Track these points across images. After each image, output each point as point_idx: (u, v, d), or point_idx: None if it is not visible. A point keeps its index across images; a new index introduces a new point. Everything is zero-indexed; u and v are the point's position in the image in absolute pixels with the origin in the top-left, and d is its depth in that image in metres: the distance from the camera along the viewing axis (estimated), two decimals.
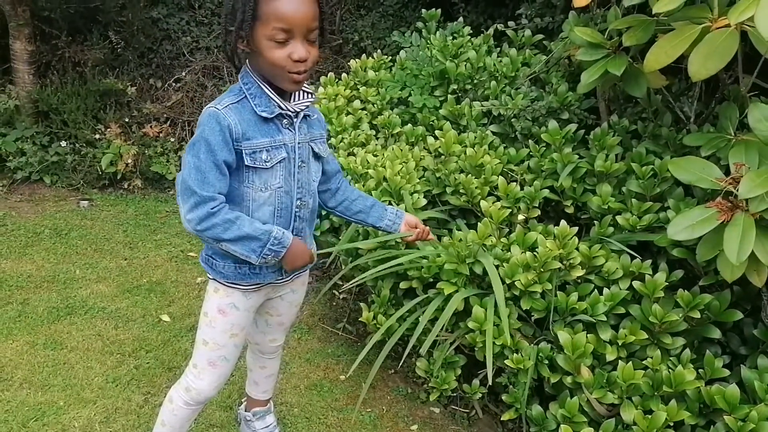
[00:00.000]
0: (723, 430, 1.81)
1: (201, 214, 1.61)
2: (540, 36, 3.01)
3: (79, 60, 4.36)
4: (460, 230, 2.36)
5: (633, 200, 2.18)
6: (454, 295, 2.16)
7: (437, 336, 2.32)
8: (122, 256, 3.51)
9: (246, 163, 1.65)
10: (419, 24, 3.40)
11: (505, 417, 2.24)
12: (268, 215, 1.73)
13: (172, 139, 4.02)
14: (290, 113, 1.70)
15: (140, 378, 2.68)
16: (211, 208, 1.62)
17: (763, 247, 1.65)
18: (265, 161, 1.68)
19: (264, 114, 1.66)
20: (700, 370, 1.94)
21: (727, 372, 1.92)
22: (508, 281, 2.10)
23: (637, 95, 2.06)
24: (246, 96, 1.65)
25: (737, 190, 1.63)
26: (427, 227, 2.09)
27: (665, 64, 1.70)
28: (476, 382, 2.35)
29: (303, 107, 1.73)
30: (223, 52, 1.71)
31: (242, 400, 2.48)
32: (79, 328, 2.93)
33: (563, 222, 2.15)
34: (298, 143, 1.74)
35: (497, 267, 2.12)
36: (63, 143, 4.10)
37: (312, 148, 1.80)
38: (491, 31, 3.10)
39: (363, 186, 2.50)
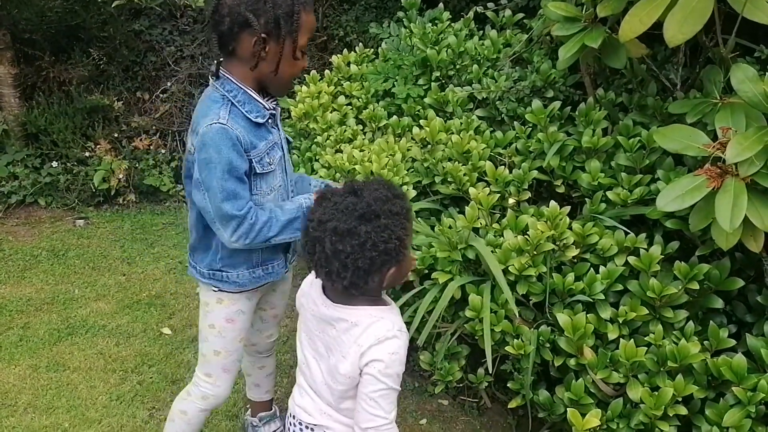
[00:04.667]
0: (732, 401, 1.77)
1: (244, 231, 1.67)
2: (521, 15, 2.96)
3: (63, 79, 4.33)
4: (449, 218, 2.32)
5: (623, 174, 2.14)
6: (449, 284, 2.13)
7: (438, 327, 2.29)
8: (120, 272, 3.49)
9: (256, 171, 1.69)
10: (400, 13, 3.35)
11: (512, 404, 2.20)
12: None
13: (163, 151, 3.99)
14: (273, 112, 1.73)
15: (144, 394, 2.66)
16: (250, 221, 1.67)
17: (757, 211, 1.61)
18: (270, 164, 1.73)
19: (258, 119, 1.68)
20: (706, 342, 1.89)
21: (733, 342, 1.88)
22: (502, 267, 2.05)
23: (617, 67, 2.01)
24: (233, 103, 1.64)
25: (725, 155, 1.58)
26: None
27: (641, 32, 1.65)
28: (481, 371, 2.32)
29: (275, 103, 1.76)
30: (239, 59, 1.66)
31: (247, 407, 2.45)
32: (81, 348, 2.92)
33: (553, 202, 2.10)
34: (282, 138, 1.79)
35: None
36: (54, 164, 4.08)
37: (287, 138, 1.85)
38: (471, 14, 3.05)
39: None
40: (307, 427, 1.61)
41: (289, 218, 1.73)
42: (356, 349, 1.44)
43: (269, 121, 1.73)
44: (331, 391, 1.54)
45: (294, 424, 1.65)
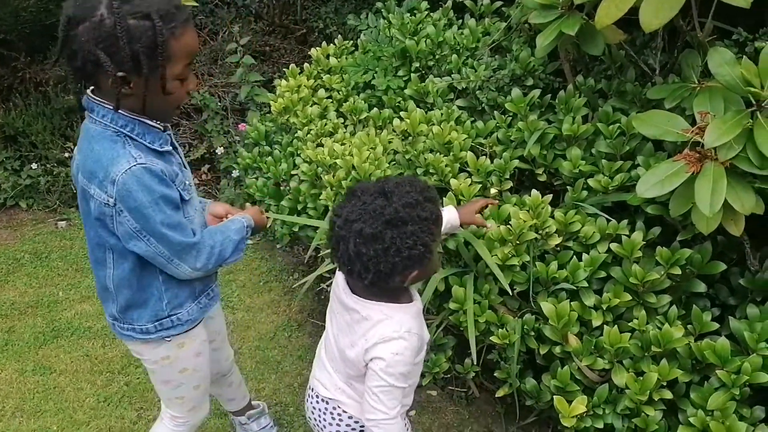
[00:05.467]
0: (717, 384, 1.78)
1: (206, 255, 1.61)
2: (499, 3, 2.94)
3: (40, 80, 4.26)
4: None
5: (604, 161, 2.13)
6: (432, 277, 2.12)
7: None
8: None
9: (184, 199, 1.57)
10: (378, 4, 3.33)
11: (499, 393, 2.21)
12: None
13: None
14: (170, 132, 1.58)
15: (132, 395, 2.64)
16: (210, 244, 1.62)
17: (737, 195, 1.60)
18: (190, 186, 1.63)
19: (165, 148, 1.53)
20: (690, 326, 1.90)
21: (716, 325, 1.88)
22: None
23: (595, 53, 2.00)
24: (131, 137, 1.47)
25: (704, 140, 1.58)
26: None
27: (616, 18, 1.64)
28: (468, 361, 2.32)
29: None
30: (96, 98, 1.47)
31: None
32: (67, 351, 2.90)
33: (534, 191, 2.10)
34: (182, 154, 1.67)
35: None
36: (34, 165, 4.03)
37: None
38: (449, 3, 3.03)
39: (333, 177, 2.44)
40: (323, 400, 1.69)
41: (239, 238, 1.69)
42: (363, 343, 1.49)
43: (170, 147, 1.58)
44: (344, 370, 1.61)
45: (312, 396, 1.73)
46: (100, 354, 2.87)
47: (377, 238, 1.34)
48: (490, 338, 2.05)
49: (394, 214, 1.34)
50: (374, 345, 1.46)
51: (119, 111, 1.45)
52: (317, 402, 1.71)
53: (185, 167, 1.65)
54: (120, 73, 1.37)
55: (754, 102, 1.59)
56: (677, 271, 1.89)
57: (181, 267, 1.57)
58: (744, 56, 1.67)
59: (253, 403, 2.37)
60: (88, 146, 1.48)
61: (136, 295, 1.64)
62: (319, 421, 1.72)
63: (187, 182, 1.60)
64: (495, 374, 2.20)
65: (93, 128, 1.48)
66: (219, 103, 4.00)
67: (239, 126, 3.73)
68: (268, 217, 1.96)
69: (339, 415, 1.68)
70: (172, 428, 1.97)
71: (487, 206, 2.03)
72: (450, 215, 1.82)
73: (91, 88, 1.49)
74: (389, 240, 1.34)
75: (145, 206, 1.45)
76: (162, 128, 1.53)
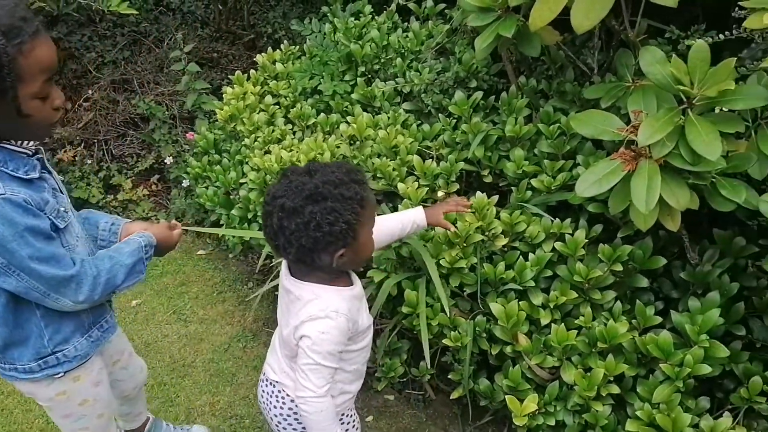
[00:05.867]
0: (662, 377, 1.81)
1: (89, 286, 1.49)
2: (443, 5, 2.96)
3: None
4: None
5: (546, 161, 2.16)
6: (385, 282, 2.12)
7: (378, 324, 2.29)
8: None
9: (59, 227, 1.46)
10: (324, 8, 3.31)
11: (454, 395, 2.22)
12: None
13: (90, 161, 3.85)
14: (40, 156, 1.48)
15: None
16: (92, 273, 1.49)
17: (672, 191, 1.63)
18: (66, 212, 1.51)
19: (32, 175, 1.41)
20: (635, 321, 1.93)
21: (660, 319, 1.92)
22: (434, 261, 2.06)
23: (532, 55, 2.02)
24: None
25: (637, 138, 1.61)
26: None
27: (549, 19, 1.66)
28: (423, 364, 2.33)
29: (36, 145, 1.46)
30: None
31: None
32: None
33: (479, 193, 2.12)
34: (57, 178, 1.55)
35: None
36: None
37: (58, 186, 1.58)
38: (393, 6, 3.03)
39: None
40: (270, 383, 1.75)
41: (133, 261, 1.58)
42: (294, 321, 1.54)
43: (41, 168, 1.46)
44: (284, 351, 1.67)
45: (263, 380, 1.80)
46: None
47: (297, 212, 1.40)
48: (443, 341, 2.05)
49: (314, 190, 1.40)
50: (302, 323, 1.51)
51: None
52: (266, 385, 1.77)
53: (61, 192, 1.54)
54: None
55: (685, 99, 1.62)
56: (619, 267, 1.92)
57: (61, 301, 1.47)
58: (674, 54, 1.70)
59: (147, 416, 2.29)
60: None
61: (14, 332, 1.53)
62: (267, 403, 1.77)
63: (61, 209, 1.48)
64: (449, 376, 2.21)
65: None
66: (166, 112, 3.94)
67: (188, 135, 3.67)
68: (185, 231, 1.86)
69: (283, 398, 1.72)
70: None
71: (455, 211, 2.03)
72: (417, 215, 1.87)
73: None
74: (308, 214, 1.40)
75: (8, 240, 1.34)
76: (32, 152, 1.43)
